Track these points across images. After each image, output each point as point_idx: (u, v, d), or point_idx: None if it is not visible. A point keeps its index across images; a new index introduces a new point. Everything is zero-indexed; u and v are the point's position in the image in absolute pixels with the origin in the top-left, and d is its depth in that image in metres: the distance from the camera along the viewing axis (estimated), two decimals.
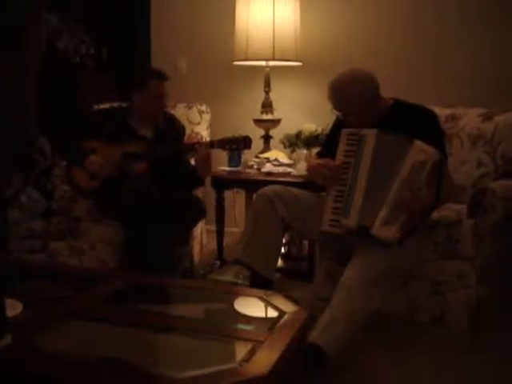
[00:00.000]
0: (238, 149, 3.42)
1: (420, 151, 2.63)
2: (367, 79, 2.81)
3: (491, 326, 2.95)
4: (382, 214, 2.62)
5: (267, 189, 3.02)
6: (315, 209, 2.88)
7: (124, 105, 3.57)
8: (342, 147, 2.83)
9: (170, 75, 3.49)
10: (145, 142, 3.43)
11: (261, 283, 2.90)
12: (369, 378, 2.50)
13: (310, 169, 3.07)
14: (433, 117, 2.89)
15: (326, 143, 3.22)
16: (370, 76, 2.83)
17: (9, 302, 1.94)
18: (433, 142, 2.69)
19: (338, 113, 2.92)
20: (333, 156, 2.86)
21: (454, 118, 3.46)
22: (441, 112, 3.38)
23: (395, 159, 2.66)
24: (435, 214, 2.98)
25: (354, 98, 2.77)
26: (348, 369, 2.55)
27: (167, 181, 3.37)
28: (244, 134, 3.38)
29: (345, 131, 2.84)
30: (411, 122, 2.77)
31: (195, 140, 3.76)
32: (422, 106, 2.90)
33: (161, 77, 3.44)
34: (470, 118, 3.41)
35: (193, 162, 3.46)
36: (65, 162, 3.64)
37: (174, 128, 3.61)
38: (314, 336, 2.46)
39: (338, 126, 3.00)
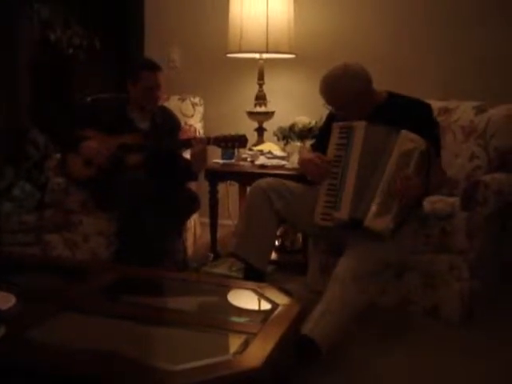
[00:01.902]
0: (234, 147, 3.42)
1: (407, 140, 2.65)
2: (358, 74, 2.81)
3: (484, 318, 2.96)
4: (374, 205, 2.63)
5: (262, 181, 3.02)
6: (309, 201, 2.88)
7: (122, 96, 3.55)
8: (333, 141, 2.84)
9: (162, 67, 3.48)
10: (141, 133, 3.43)
11: (254, 276, 2.91)
12: (361, 369, 2.51)
13: (301, 164, 3.07)
14: (427, 109, 2.89)
15: (319, 137, 3.23)
16: (362, 70, 2.82)
17: (2, 294, 1.95)
18: (427, 134, 2.71)
19: (330, 107, 2.93)
20: (326, 149, 2.86)
21: (446, 110, 3.46)
22: (434, 104, 3.36)
23: (384, 150, 2.68)
24: (428, 207, 2.99)
25: (346, 92, 2.77)
26: (340, 361, 2.55)
27: (162, 173, 3.37)
28: (239, 127, 3.38)
29: (336, 125, 2.85)
30: (405, 114, 2.77)
31: (191, 134, 3.75)
32: (415, 98, 2.91)
33: (153, 68, 3.43)
34: (463, 111, 3.42)
35: (187, 155, 3.46)
36: (58, 154, 3.63)
37: (170, 122, 3.61)
38: (307, 328, 2.46)
39: (331, 119, 3.00)
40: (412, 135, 2.65)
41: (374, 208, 2.63)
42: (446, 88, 3.99)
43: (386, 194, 2.63)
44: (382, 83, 2.93)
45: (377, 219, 2.62)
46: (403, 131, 2.66)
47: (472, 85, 3.94)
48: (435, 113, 3.31)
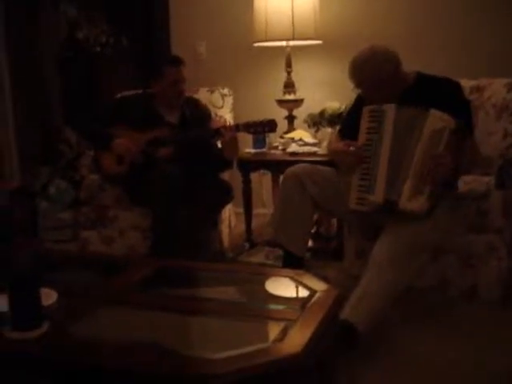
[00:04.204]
0: (264, 132, 3.42)
1: (437, 119, 2.63)
2: (386, 55, 2.79)
3: None
4: (407, 186, 2.62)
5: (296, 168, 3.02)
6: (343, 187, 2.88)
7: (149, 91, 3.58)
8: (364, 125, 2.82)
9: (190, 60, 3.49)
10: (170, 127, 3.45)
11: (293, 262, 2.92)
12: (401, 353, 2.51)
13: (333, 154, 3.06)
14: (457, 88, 2.86)
15: (347, 120, 3.21)
16: (390, 52, 2.80)
17: (44, 291, 1.98)
18: (459, 113, 2.68)
19: (360, 91, 2.91)
20: (355, 133, 2.85)
21: (478, 89, 3.41)
22: (465, 83, 3.34)
23: (414, 131, 2.66)
24: (463, 187, 2.96)
25: (374, 74, 2.75)
26: (380, 344, 2.55)
27: (194, 165, 3.39)
28: (268, 116, 3.38)
29: (366, 108, 2.83)
30: (435, 94, 2.75)
31: (220, 124, 3.76)
32: (445, 77, 2.87)
33: (175, 62, 3.45)
34: (495, 89, 3.37)
35: (220, 145, 3.47)
36: (91, 152, 3.68)
37: (200, 113, 3.62)
38: (346, 313, 2.47)
39: (359, 102, 2.99)
40: (441, 114, 2.63)
41: (407, 189, 2.62)
42: (477, 67, 3.94)
43: (419, 175, 2.61)
44: (411, 65, 2.91)
45: (411, 200, 2.61)
46: (432, 110, 2.64)
47: (500, 63, 3.88)
48: (466, 92, 3.28)
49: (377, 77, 2.76)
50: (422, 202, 2.60)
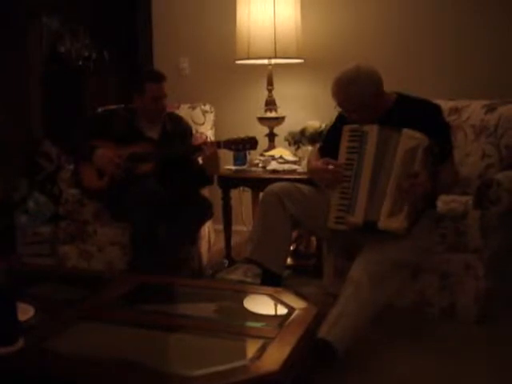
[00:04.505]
0: (245, 149, 3.44)
1: (409, 138, 2.66)
2: (371, 75, 2.80)
3: (500, 317, 2.96)
4: (386, 205, 2.64)
5: (275, 186, 3.02)
6: (323, 205, 2.88)
7: (131, 106, 3.58)
8: (344, 144, 2.83)
9: (172, 76, 3.49)
10: (151, 143, 3.45)
11: (271, 280, 2.92)
12: (378, 371, 2.50)
13: (312, 172, 3.07)
14: (437, 111, 2.88)
15: (327, 138, 3.23)
16: (374, 72, 2.82)
17: (21, 306, 1.96)
18: (438, 135, 2.71)
19: (342, 110, 2.93)
20: (335, 151, 2.87)
21: (457, 110, 3.46)
22: (444, 104, 3.38)
23: (389, 151, 2.69)
24: (442, 207, 2.99)
25: (359, 95, 2.77)
26: (357, 363, 2.55)
27: (175, 181, 3.39)
28: (249, 134, 3.40)
29: (346, 127, 2.84)
30: (415, 116, 2.77)
31: (201, 141, 3.77)
32: (425, 99, 2.90)
33: (156, 79, 3.45)
34: (473, 110, 3.41)
35: (201, 161, 3.47)
36: (71, 166, 3.66)
37: (181, 129, 3.62)
38: (324, 332, 2.47)
39: (340, 121, 3.00)
40: (413, 133, 2.66)
41: (386, 208, 2.64)
42: (456, 87, 3.99)
43: (396, 194, 2.63)
44: (391, 85, 2.93)
45: (391, 219, 2.63)
46: (404, 130, 2.67)
47: (480, 84, 3.93)
48: (446, 113, 3.32)
49: (360, 98, 2.77)
50: (401, 220, 2.62)
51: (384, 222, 2.64)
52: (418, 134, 2.65)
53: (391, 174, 2.66)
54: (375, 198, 2.69)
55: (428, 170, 2.65)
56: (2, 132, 5.17)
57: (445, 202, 3.05)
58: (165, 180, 3.34)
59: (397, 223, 2.62)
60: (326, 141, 3.19)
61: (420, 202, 2.68)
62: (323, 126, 3.84)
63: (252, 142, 3.36)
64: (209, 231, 3.97)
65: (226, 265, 3.85)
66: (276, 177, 3.60)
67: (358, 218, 2.72)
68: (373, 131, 2.75)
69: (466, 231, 2.90)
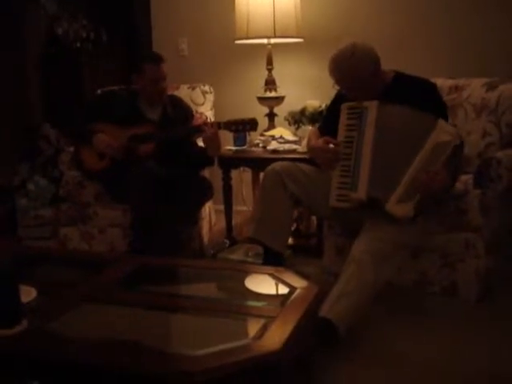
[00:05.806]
0: (245, 130, 3.43)
1: (444, 132, 2.65)
2: (368, 53, 2.80)
3: (500, 295, 2.97)
4: (398, 191, 2.63)
5: (275, 165, 3.02)
6: (324, 184, 2.88)
7: (132, 88, 3.57)
8: (343, 122, 2.82)
9: (171, 57, 3.48)
10: (152, 124, 3.45)
11: (273, 259, 2.93)
12: (380, 350, 2.52)
13: (312, 152, 3.06)
14: (434, 89, 2.88)
15: (326, 117, 3.22)
16: (371, 50, 2.81)
17: (23, 288, 1.97)
18: (435, 114, 2.70)
19: (339, 88, 2.92)
20: (334, 129, 2.86)
21: (457, 88, 3.44)
22: (444, 83, 3.37)
23: (412, 134, 2.68)
24: None
25: (355, 72, 2.76)
26: (358, 341, 2.56)
27: (176, 162, 3.38)
28: (249, 113, 3.40)
29: (345, 105, 2.84)
30: (413, 94, 2.76)
31: (201, 121, 3.76)
32: (423, 78, 2.90)
33: (156, 60, 3.44)
34: (474, 88, 3.39)
35: (201, 143, 3.47)
36: (71, 148, 3.66)
37: (182, 111, 3.62)
38: (325, 310, 2.48)
39: (338, 99, 2.99)
40: (449, 127, 2.65)
41: (397, 193, 2.63)
42: (456, 66, 3.97)
43: (412, 182, 2.63)
44: (390, 63, 2.92)
45: (399, 205, 2.63)
46: (440, 121, 2.66)
47: (479, 62, 3.92)
48: (445, 91, 3.31)
49: (356, 75, 2.76)
50: (408, 209, 2.62)
51: (391, 206, 2.64)
52: (452, 130, 2.64)
53: (412, 161, 2.64)
54: (382, 174, 2.68)
55: (450, 168, 2.64)
56: (0, 115, 5.16)
57: None
58: (165, 161, 3.33)
59: (404, 211, 2.62)
60: (326, 120, 3.18)
61: (432, 197, 2.68)
62: (323, 105, 3.83)
63: (252, 124, 3.36)
64: (209, 211, 3.97)
65: (227, 245, 3.85)
66: (276, 156, 3.60)
67: (361, 193, 2.71)
68: (373, 107, 2.74)
69: (466, 210, 2.90)
